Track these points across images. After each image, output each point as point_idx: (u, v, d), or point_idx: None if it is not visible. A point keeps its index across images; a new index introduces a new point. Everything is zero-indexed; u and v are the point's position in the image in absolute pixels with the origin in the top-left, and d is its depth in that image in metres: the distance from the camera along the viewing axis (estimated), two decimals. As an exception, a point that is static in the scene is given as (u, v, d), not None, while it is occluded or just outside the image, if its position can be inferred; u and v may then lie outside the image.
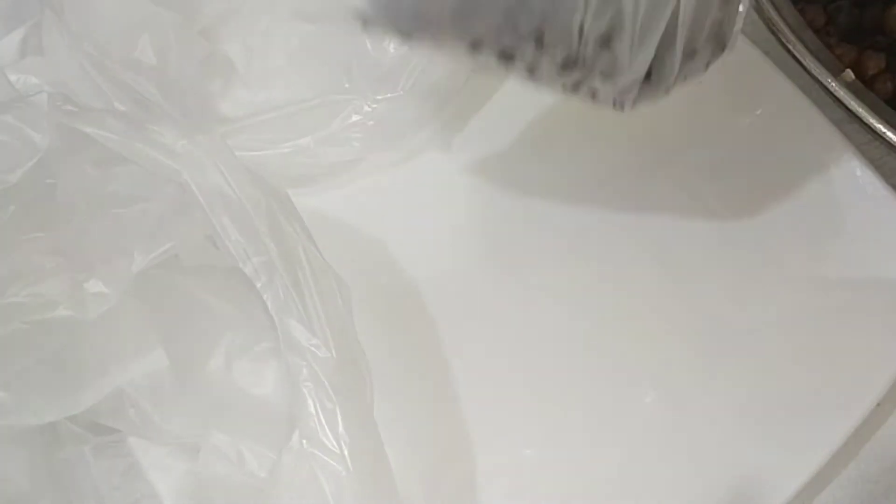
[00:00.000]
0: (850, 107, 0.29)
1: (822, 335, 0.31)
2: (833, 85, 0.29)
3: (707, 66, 0.26)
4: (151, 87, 0.33)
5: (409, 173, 0.36)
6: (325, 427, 0.23)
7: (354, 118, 0.34)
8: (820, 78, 0.29)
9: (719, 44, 0.26)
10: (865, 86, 0.31)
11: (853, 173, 0.32)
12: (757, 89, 0.34)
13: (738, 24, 0.26)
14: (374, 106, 0.34)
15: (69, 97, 0.27)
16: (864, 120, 0.29)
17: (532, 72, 0.25)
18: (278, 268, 0.25)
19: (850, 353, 0.30)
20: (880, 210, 0.31)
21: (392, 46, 0.36)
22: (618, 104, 0.26)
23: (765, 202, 0.33)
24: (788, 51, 0.30)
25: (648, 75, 0.26)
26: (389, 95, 0.34)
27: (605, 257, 0.34)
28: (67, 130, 0.27)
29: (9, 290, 0.25)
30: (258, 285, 0.25)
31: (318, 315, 0.25)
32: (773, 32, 0.31)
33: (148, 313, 0.29)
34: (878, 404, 0.29)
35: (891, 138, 0.29)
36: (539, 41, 0.25)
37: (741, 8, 0.26)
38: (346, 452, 0.23)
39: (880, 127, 0.29)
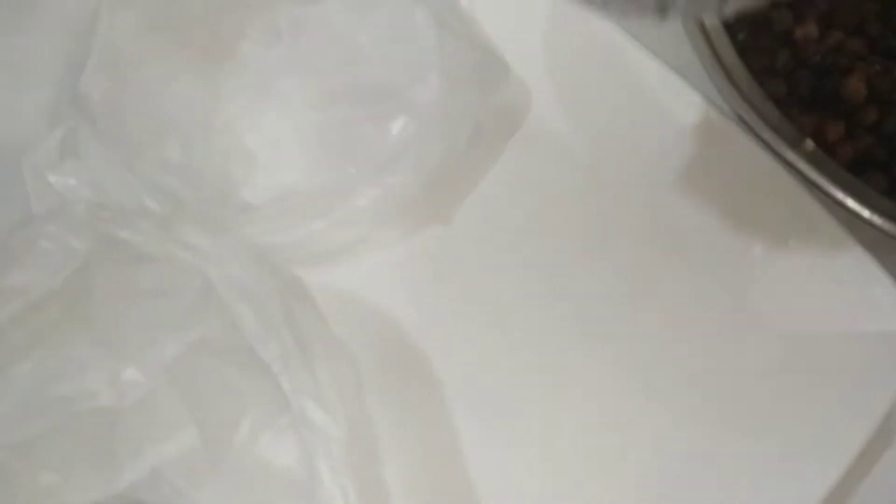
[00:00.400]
0: (809, 177, 0.31)
1: (797, 390, 0.33)
2: (792, 156, 0.32)
3: None
4: (178, 183, 0.37)
5: (413, 248, 0.38)
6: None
7: (362, 201, 0.37)
8: (777, 150, 0.32)
9: None
10: (827, 152, 0.33)
11: (824, 232, 0.34)
12: (729, 157, 0.36)
13: None
14: (379, 189, 0.37)
15: (104, 204, 0.30)
16: (822, 188, 0.31)
17: None
18: (292, 351, 0.28)
19: (828, 407, 0.32)
20: (852, 269, 0.33)
21: (394, 130, 0.39)
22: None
23: (740, 262, 0.35)
24: (747, 125, 0.32)
25: None
26: (392, 179, 0.37)
27: (604, 322, 0.36)
28: (104, 235, 0.30)
29: (54, 384, 0.28)
30: (274, 369, 0.28)
31: (330, 394, 0.27)
32: (732, 107, 0.33)
33: (178, 396, 0.31)
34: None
35: (848, 205, 0.31)
36: None
37: None
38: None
39: (838, 195, 0.31)
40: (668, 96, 0.38)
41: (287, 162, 0.41)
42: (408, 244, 0.39)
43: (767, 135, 0.32)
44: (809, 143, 0.32)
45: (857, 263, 0.34)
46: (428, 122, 0.37)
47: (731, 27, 0.36)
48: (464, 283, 0.38)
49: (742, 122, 0.33)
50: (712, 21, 0.34)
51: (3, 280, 0.29)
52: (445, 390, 0.35)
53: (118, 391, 0.29)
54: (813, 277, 0.34)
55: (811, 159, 0.32)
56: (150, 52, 0.40)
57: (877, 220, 0.32)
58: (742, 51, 0.35)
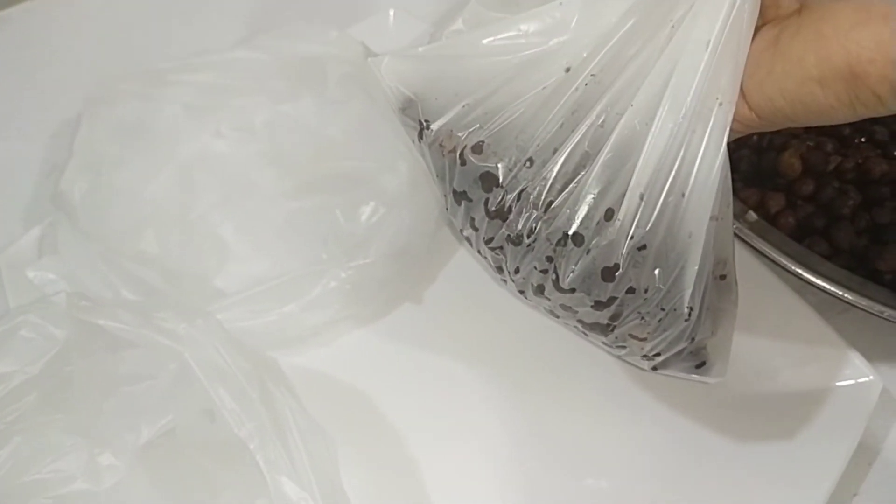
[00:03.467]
0: (754, 245, 0.33)
1: (754, 442, 0.34)
2: (737, 226, 0.34)
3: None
4: (155, 275, 0.38)
5: (385, 327, 0.40)
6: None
7: (333, 284, 0.38)
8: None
9: None
10: (770, 223, 0.35)
11: (776, 296, 0.36)
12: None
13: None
14: (350, 272, 0.38)
15: (84, 294, 0.31)
16: (769, 256, 0.33)
17: None
18: (269, 430, 0.28)
19: (782, 459, 0.33)
20: (804, 330, 0.35)
21: (364, 215, 0.41)
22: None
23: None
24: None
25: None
26: (362, 261, 0.38)
27: (571, 388, 0.37)
28: (83, 323, 0.31)
29: (32, 468, 0.28)
30: (251, 447, 0.28)
31: (306, 471, 0.28)
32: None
33: (152, 481, 0.31)
34: None
35: (792, 269, 0.33)
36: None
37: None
38: None
39: (783, 261, 0.33)
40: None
41: (260, 251, 0.42)
42: (379, 323, 0.40)
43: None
44: (752, 214, 0.35)
45: (808, 324, 0.36)
46: (397, 206, 0.39)
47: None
48: (435, 359, 0.39)
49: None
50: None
51: (-18, 369, 0.29)
52: (420, 464, 0.35)
53: (94, 475, 0.29)
54: (765, 339, 0.36)
55: (755, 229, 0.34)
56: (127, 151, 0.42)
57: (821, 282, 0.34)
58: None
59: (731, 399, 0.35)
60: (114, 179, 0.41)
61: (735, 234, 0.35)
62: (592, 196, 0.27)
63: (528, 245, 0.28)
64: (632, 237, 0.26)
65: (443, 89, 0.30)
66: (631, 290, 0.28)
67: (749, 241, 0.34)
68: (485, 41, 0.29)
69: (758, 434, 0.35)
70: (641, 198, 0.26)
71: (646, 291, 0.27)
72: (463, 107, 0.29)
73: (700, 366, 0.31)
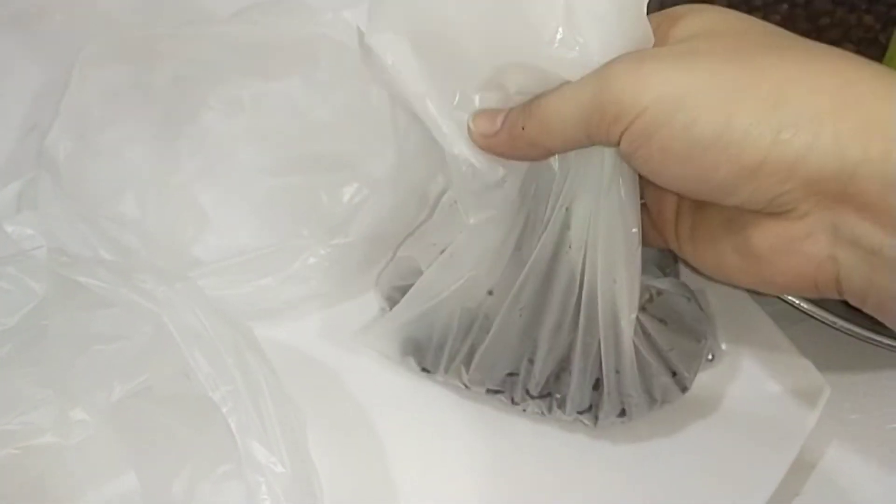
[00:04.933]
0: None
1: (707, 443, 0.35)
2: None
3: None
4: (133, 238, 0.38)
5: (359, 307, 0.40)
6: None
7: (311, 261, 0.39)
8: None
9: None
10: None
11: (734, 303, 0.38)
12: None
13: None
14: (329, 250, 0.39)
15: (64, 250, 0.32)
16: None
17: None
18: (242, 395, 0.29)
19: (734, 463, 0.35)
20: (762, 336, 0.37)
21: (346, 196, 0.42)
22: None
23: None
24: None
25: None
26: (342, 240, 0.39)
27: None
28: (61, 279, 0.31)
29: (2, 419, 0.29)
30: (224, 410, 0.29)
31: (275, 436, 0.29)
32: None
33: (121, 439, 0.32)
34: None
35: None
36: None
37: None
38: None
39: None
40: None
41: (239, 223, 0.43)
42: (354, 303, 0.40)
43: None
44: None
45: (764, 332, 0.37)
46: (380, 190, 0.39)
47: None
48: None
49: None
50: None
51: (-43, 318, 0.29)
52: (385, 441, 0.36)
53: (64, 430, 0.29)
54: (724, 342, 0.38)
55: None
56: (115, 115, 0.43)
57: (780, 292, 0.36)
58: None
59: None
60: (98, 141, 0.41)
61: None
62: (582, 386, 0.34)
63: (554, 416, 0.36)
64: (624, 394, 0.34)
65: (417, 341, 0.36)
66: (648, 408, 0.35)
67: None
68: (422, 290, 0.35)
69: (705, 432, 0.36)
70: (617, 371, 0.34)
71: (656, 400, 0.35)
72: (440, 351, 0.36)
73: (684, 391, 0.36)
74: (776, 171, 0.23)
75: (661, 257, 0.36)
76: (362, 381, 0.38)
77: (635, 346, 0.33)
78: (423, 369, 0.37)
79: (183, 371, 0.31)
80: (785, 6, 0.46)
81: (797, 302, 0.35)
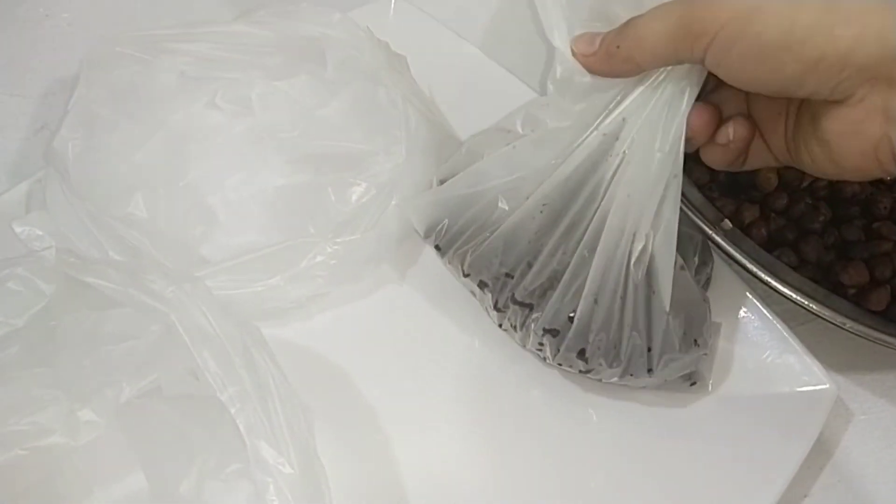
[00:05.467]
0: (728, 252, 0.35)
1: (718, 443, 0.35)
2: (713, 234, 0.35)
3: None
4: (143, 238, 0.38)
5: (367, 305, 0.40)
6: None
7: (319, 258, 0.39)
8: (703, 228, 0.35)
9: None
10: (743, 232, 0.37)
11: (742, 304, 0.38)
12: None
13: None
14: (336, 248, 0.39)
15: (73, 251, 0.32)
16: (740, 262, 0.34)
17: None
18: (251, 395, 0.29)
19: (745, 461, 0.35)
20: (768, 337, 0.37)
21: (354, 196, 0.42)
22: None
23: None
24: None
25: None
26: (349, 238, 0.39)
27: (550, 378, 0.38)
28: (70, 279, 0.31)
29: (11, 420, 0.29)
30: (232, 411, 0.29)
31: (283, 436, 0.29)
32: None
33: (130, 439, 0.32)
34: None
35: (762, 277, 0.34)
36: None
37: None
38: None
39: (754, 269, 0.34)
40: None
41: (247, 222, 0.43)
42: (362, 302, 0.41)
43: (692, 214, 0.36)
44: (727, 223, 0.36)
45: (771, 331, 0.37)
46: (388, 189, 0.39)
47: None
48: (414, 340, 0.40)
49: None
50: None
51: (-33, 318, 0.29)
52: (393, 440, 0.36)
53: (72, 430, 0.29)
54: (730, 342, 0.38)
55: (729, 237, 0.36)
56: (122, 115, 0.43)
57: (788, 292, 0.35)
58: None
59: (689, 399, 0.36)
60: (107, 141, 0.41)
61: (710, 241, 0.36)
62: (560, 303, 0.34)
63: (524, 332, 0.36)
64: (591, 331, 0.34)
65: (446, 221, 0.38)
66: (607, 364, 0.34)
67: (722, 248, 0.35)
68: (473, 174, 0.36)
69: (715, 433, 0.36)
70: (595, 301, 0.34)
71: (620, 362, 0.34)
72: (459, 234, 0.37)
73: (693, 384, 0.36)
74: (833, 62, 0.27)
75: (700, 265, 0.37)
76: (368, 381, 0.38)
77: (624, 286, 0.33)
78: (437, 247, 0.38)
79: (192, 371, 0.31)
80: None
81: (806, 302, 0.35)
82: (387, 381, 0.38)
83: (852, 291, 0.38)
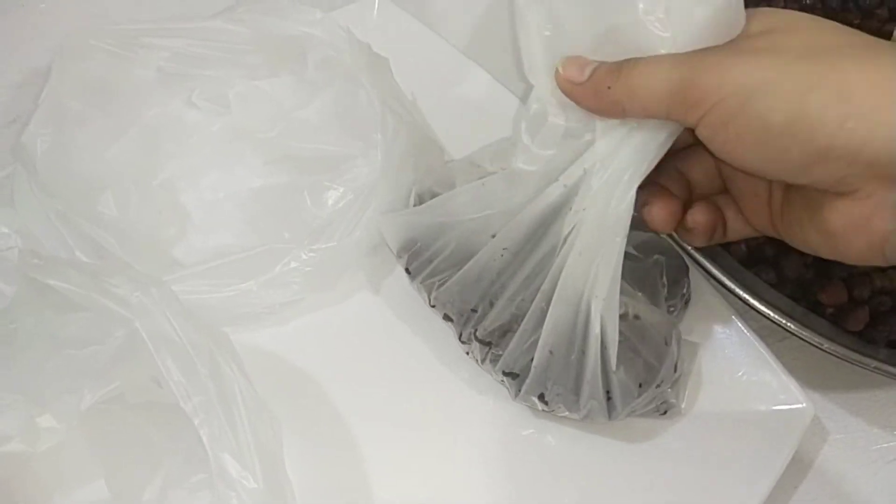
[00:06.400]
0: (706, 268, 0.34)
1: (693, 462, 0.35)
2: (691, 250, 0.35)
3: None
4: (111, 238, 0.37)
5: (341, 313, 0.40)
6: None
7: (293, 264, 0.38)
8: (680, 243, 0.35)
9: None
10: (723, 247, 0.37)
11: (719, 319, 0.37)
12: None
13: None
14: (311, 254, 0.38)
15: (37, 251, 0.31)
16: (718, 279, 0.34)
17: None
18: (215, 406, 0.28)
19: (719, 481, 0.34)
20: (742, 354, 0.37)
21: (331, 200, 0.41)
22: None
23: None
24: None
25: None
26: (325, 245, 0.38)
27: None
28: (32, 281, 0.30)
29: (-33, 426, 0.28)
30: (196, 422, 0.28)
31: (249, 449, 0.28)
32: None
33: (91, 447, 0.31)
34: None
35: (740, 294, 0.34)
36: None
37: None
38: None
39: (732, 285, 0.34)
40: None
41: (222, 224, 0.42)
42: (335, 309, 0.40)
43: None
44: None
45: (748, 349, 0.37)
46: (365, 195, 0.39)
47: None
48: (387, 349, 0.39)
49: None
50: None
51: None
52: (364, 451, 0.36)
53: (32, 437, 0.29)
54: (707, 359, 0.37)
55: (707, 252, 0.35)
56: (96, 109, 0.42)
57: (765, 309, 0.35)
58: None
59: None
60: (77, 137, 0.40)
61: (688, 255, 0.36)
62: (518, 350, 0.34)
63: (486, 367, 0.36)
64: (549, 379, 0.34)
65: (419, 244, 0.37)
66: (567, 409, 0.34)
67: (700, 263, 0.35)
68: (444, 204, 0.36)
69: (689, 451, 0.36)
70: (551, 353, 0.34)
71: (580, 409, 0.34)
72: (428, 262, 0.37)
73: (664, 413, 0.35)
74: (842, 155, 0.26)
75: (672, 286, 0.36)
76: (340, 390, 0.38)
77: (582, 341, 0.33)
78: (407, 269, 0.38)
79: (155, 378, 0.30)
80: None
81: (783, 321, 0.35)
82: (359, 391, 0.38)
83: (830, 311, 0.37)
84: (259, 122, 0.43)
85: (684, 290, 0.36)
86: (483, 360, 0.36)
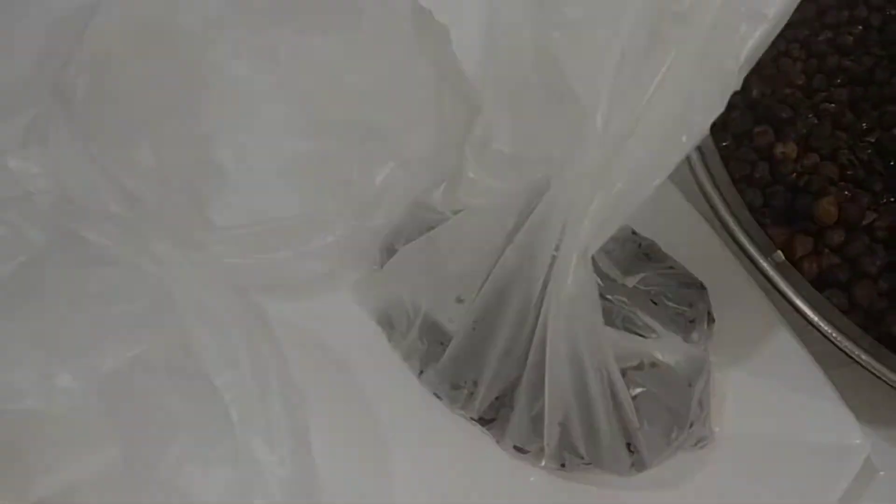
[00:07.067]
0: (776, 285, 0.32)
1: (744, 492, 0.33)
2: (763, 264, 0.33)
3: None
4: (145, 188, 0.35)
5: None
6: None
7: (331, 238, 0.36)
8: (752, 256, 0.33)
9: None
10: (794, 266, 0.34)
11: (779, 340, 0.35)
12: (701, 257, 0.37)
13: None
14: (351, 230, 0.36)
15: (71, 199, 0.29)
16: (788, 298, 0.32)
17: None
18: (249, 384, 0.26)
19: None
20: (803, 378, 0.34)
21: (380, 175, 0.39)
22: None
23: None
24: (726, 228, 0.34)
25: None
26: (366, 223, 0.36)
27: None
28: (63, 230, 0.28)
29: (-20, 378, 0.26)
30: (227, 398, 0.26)
31: (280, 434, 0.26)
32: (712, 209, 0.34)
33: (108, 410, 0.29)
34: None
35: (809, 316, 0.32)
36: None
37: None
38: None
39: (801, 305, 0.32)
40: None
41: (262, 186, 0.40)
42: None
43: (742, 239, 0.33)
44: (779, 255, 0.34)
45: (807, 374, 0.35)
46: (413, 171, 0.36)
47: (715, 133, 0.38)
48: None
49: (720, 224, 0.34)
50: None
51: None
52: (387, 437, 0.34)
53: (47, 396, 0.27)
54: (762, 379, 0.35)
55: (779, 269, 0.33)
56: (138, 54, 0.39)
57: (834, 335, 0.33)
58: (724, 158, 0.37)
59: (722, 440, 0.34)
60: (119, 80, 0.38)
61: (759, 271, 0.34)
62: (520, 428, 0.32)
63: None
64: (566, 449, 0.32)
65: (389, 318, 0.36)
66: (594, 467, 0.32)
67: (772, 279, 0.33)
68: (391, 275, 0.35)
69: (733, 478, 0.34)
70: (561, 426, 0.31)
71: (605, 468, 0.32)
72: (402, 338, 0.35)
73: (702, 447, 0.34)
74: None
75: (689, 310, 0.34)
76: (368, 366, 0.36)
77: (593, 402, 0.30)
78: (391, 341, 0.36)
79: (185, 345, 0.28)
80: (859, 28, 0.43)
81: (856, 352, 0.32)
82: (386, 375, 0.36)
83: (902, 344, 0.35)
84: (306, 81, 0.41)
85: (702, 307, 0.34)
86: (488, 430, 0.34)
